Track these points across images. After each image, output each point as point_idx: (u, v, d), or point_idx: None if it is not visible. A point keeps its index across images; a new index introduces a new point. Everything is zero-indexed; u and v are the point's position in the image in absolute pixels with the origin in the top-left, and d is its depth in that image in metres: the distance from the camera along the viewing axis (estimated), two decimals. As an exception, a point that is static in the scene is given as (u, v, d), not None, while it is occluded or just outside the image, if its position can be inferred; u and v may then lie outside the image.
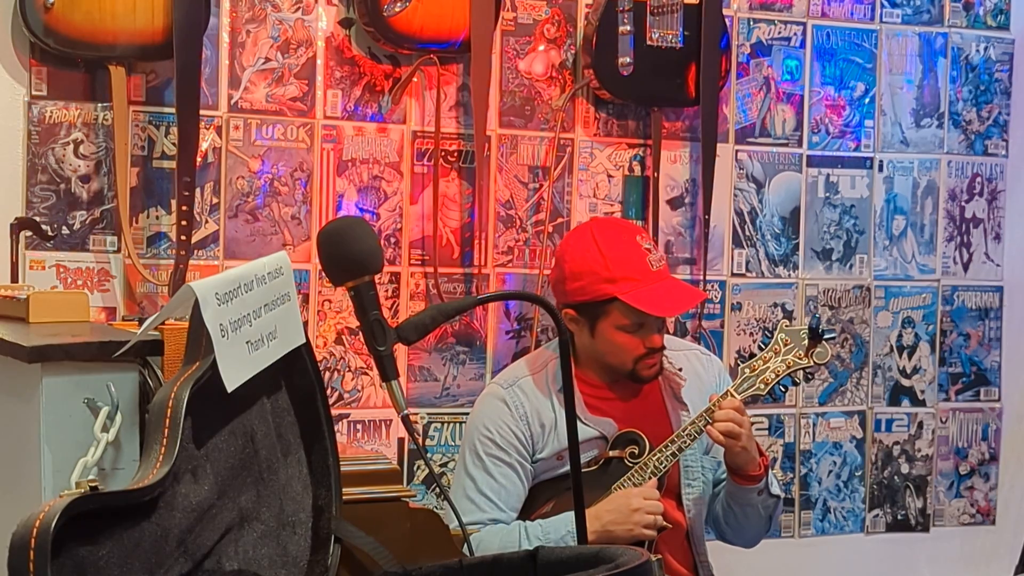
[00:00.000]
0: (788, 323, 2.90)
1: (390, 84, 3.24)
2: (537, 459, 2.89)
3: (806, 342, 2.83)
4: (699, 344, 3.34)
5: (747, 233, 3.58)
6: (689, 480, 2.94)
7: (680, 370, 2.98)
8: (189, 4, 2.92)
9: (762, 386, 2.82)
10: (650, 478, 2.78)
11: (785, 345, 2.84)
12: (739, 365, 2.89)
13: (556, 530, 2.76)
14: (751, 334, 3.57)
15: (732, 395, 2.80)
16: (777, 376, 2.83)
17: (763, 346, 2.93)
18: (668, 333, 3.05)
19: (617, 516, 2.73)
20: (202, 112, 3.02)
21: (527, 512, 2.88)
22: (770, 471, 2.91)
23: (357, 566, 1.90)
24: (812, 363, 2.84)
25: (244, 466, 1.74)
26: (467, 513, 2.85)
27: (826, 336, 2.84)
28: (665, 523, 2.76)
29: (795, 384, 2.91)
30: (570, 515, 2.71)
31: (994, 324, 3.88)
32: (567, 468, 2.79)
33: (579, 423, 2.81)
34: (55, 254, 2.98)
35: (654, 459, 2.79)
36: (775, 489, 2.93)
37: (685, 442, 2.79)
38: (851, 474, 3.72)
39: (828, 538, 3.71)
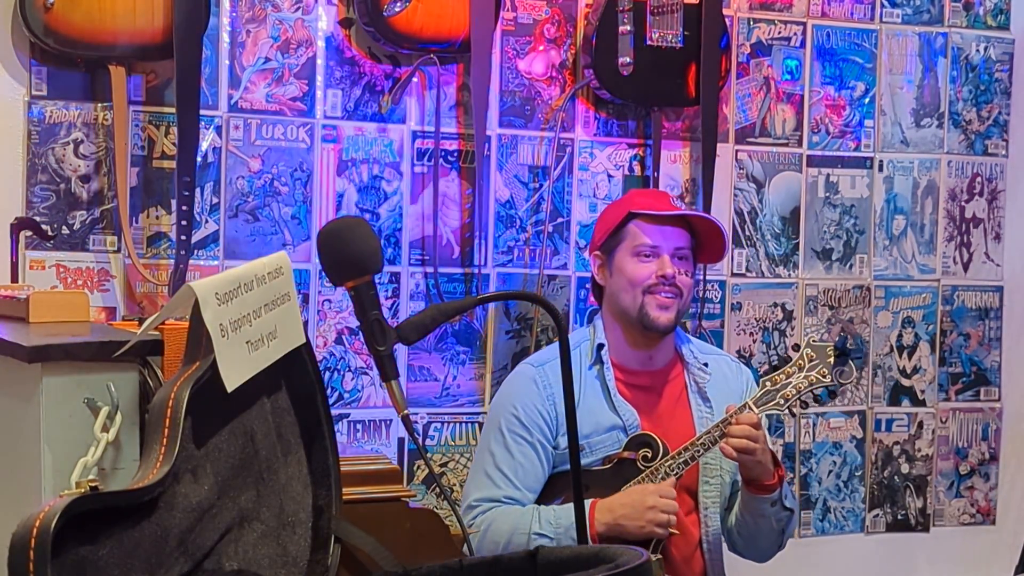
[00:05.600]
0: (816, 338, 2.83)
1: (390, 84, 3.24)
2: (560, 443, 2.89)
3: (832, 360, 2.77)
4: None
5: (747, 233, 3.58)
6: (707, 477, 2.93)
7: (706, 365, 2.99)
8: (189, 4, 2.92)
9: (782, 401, 2.77)
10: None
11: (810, 360, 2.78)
12: (761, 377, 2.85)
13: (567, 516, 2.74)
14: (751, 334, 3.57)
15: (751, 408, 2.76)
16: (798, 392, 2.78)
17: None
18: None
19: (631, 511, 2.71)
20: (202, 112, 3.02)
21: (544, 501, 2.86)
22: (786, 483, 2.86)
23: (357, 566, 1.90)
24: (835, 382, 2.78)
25: (244, 466, 1.74)
26: (483, 488, 2.87)
27: (852, 356, 2.79)
28: (675, 530, 2.76)
29: (817, 402, 2.83)
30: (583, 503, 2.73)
31: (994, 324, 3.88)
32: (587, 460, 2.81)
33: (606, 407, 2.87)
34: (55, 254, 2.98)
35: (666, 465, 2.77)
36: (789, 502, 2.88)
37: (699, 451, 2.77)
38: (851, 474, 3.72)
39: (828, 538, 3.71)
